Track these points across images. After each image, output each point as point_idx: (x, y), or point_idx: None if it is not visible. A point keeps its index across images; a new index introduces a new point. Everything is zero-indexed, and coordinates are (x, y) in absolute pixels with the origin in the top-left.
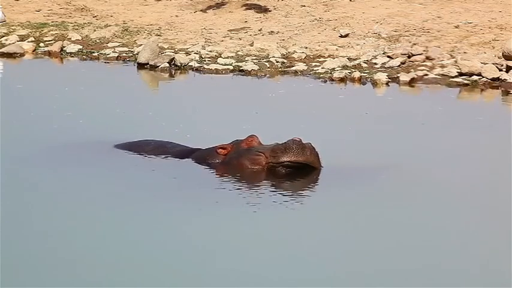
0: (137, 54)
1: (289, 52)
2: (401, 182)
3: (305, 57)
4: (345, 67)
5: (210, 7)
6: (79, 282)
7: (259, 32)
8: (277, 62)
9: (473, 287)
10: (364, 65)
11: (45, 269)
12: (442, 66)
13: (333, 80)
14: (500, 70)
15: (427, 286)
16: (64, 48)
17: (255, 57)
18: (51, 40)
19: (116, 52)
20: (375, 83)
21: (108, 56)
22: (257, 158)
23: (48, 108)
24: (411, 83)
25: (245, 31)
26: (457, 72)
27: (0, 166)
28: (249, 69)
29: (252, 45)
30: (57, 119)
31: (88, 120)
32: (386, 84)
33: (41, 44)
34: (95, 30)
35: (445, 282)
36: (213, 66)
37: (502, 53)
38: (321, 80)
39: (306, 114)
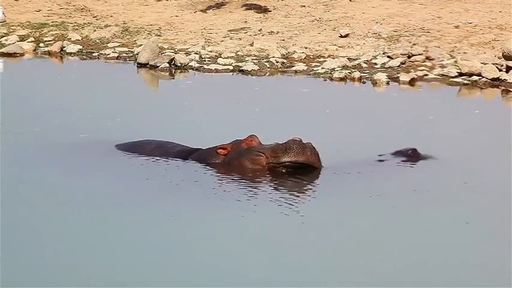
0: (137, 54)
1: (289, 52)
2: (403, 182)
3: (305, 57)
4: (345, 67)
5: (210, 7)
6: (78, 283)
7: (259, 32)
8: (277, 62)
9: (474, 287)
10: (364, 65)
11: (45, 270)
12: (442, 67)
13: (332, 80)
14: (500, 70)
15: (427, 286)
16: (64, 49)
17: (255, 57)
18: (51, 40)
19: (116, 52)
20: (374, 83)
21: (108, 56)
22: (257, 158)
23: (48, 108)
24: (411, 83)
25: (245, 31)
26: (457, 72)
27: (0, 166)
28: (249, 69)
29: (252, 45)
30: (57, 119)
31: (88, 120)
32: (387, 84)
33: (41, 44)
34: (95, 31)
35: (446, 282)
36: (213, 67)
37: (502, 53)
38: (321, 79)
39: (306, 114)
